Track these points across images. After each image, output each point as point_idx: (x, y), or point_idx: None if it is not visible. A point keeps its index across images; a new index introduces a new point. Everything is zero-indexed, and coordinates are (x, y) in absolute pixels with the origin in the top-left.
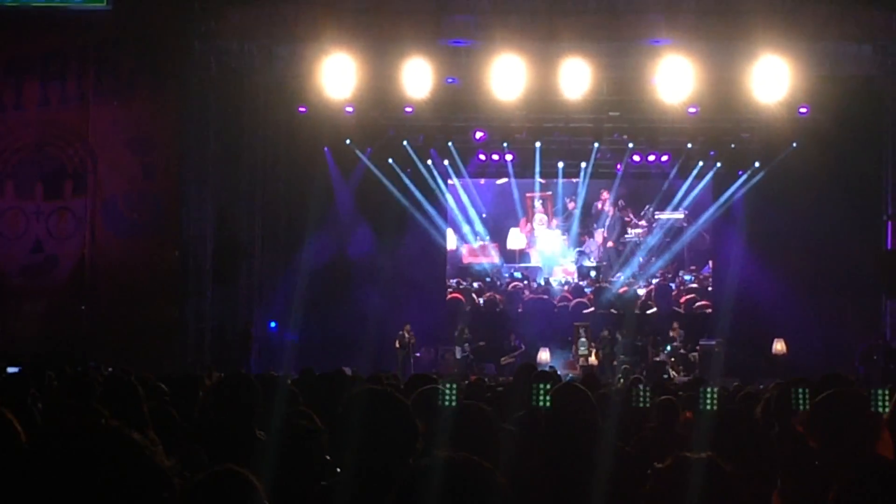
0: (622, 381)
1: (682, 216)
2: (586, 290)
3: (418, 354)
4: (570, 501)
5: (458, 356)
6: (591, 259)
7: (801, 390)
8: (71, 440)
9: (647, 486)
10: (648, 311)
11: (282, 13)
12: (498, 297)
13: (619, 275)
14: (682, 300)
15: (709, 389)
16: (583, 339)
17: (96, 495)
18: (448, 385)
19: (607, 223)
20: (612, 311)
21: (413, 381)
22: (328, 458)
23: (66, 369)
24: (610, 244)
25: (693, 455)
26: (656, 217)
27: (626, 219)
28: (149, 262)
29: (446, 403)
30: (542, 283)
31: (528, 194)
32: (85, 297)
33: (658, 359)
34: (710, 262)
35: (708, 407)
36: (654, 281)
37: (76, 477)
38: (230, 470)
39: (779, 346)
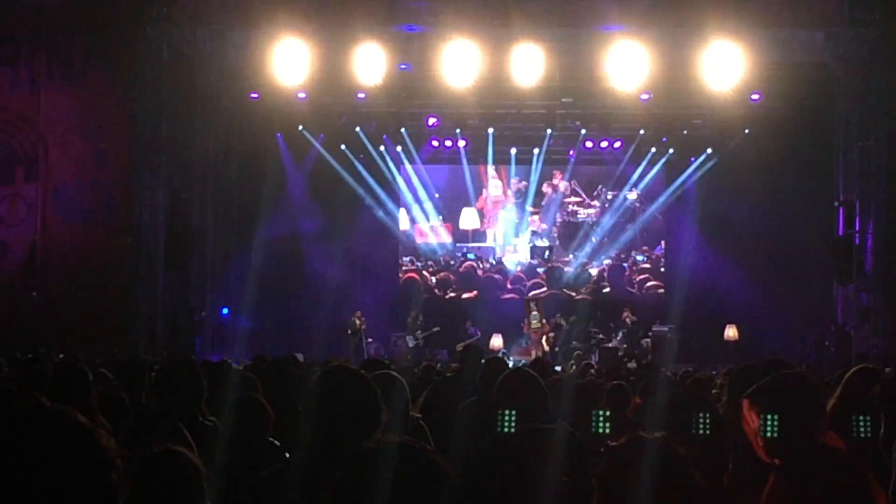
0: (574, 367)
1: (634, 196)
2: (539, 269)
3: (370, 340)
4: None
5: (411, 344)
6: (544, 239)
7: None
8: (15, 422)
9: (601, 464)
10: (603, 291)
11: None
12: (452, 277)
13: (572, 255)
14: (636, 280)
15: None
16: (535, 313)
17: (40, 475)
18: (507, 412)
19: (559, 201)
20: (566, 291)
21: (365, 366)
22: (276, 442)
23: (16, 356)
24: (560, 220)
25: (647, 434)
26: (609, 196)
27: (579, 199)
28: (100, 249)
29: (505, 429)
30: (495, 262)
31: (481, 167)
32: (36, 284)
33: (610, 345)
34: (663, 242)
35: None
36: (607, 262)
37: (20, 458)
38: (170, 450)
39: (731, 331)
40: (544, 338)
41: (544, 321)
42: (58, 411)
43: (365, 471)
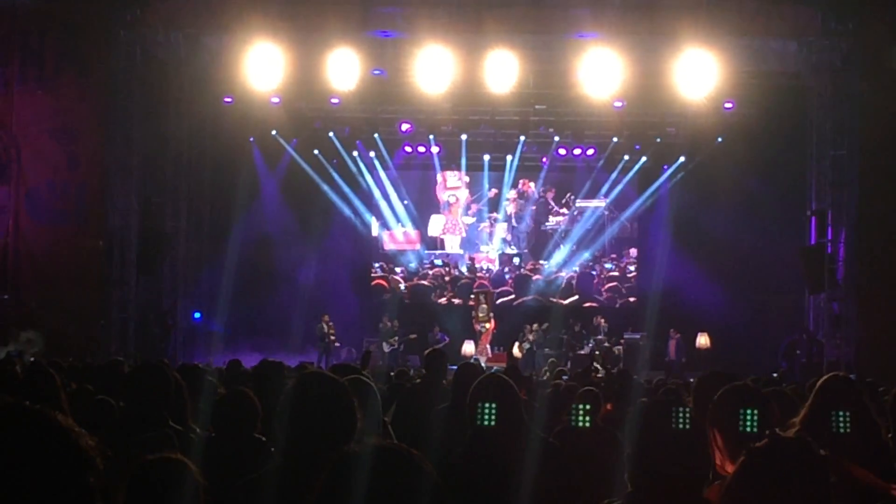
0: (548, 373)
1: (602, 204)
2: (506, 276)
3: (338, 345)
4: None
5: (386, 349)
6: (513, 247)
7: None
8: None
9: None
10: (570, 300)
11: (208, 2)
12: (425, 283)
13: (542, 262)
14: (605, 288)
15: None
16: (483, 306)
17: (15, 476)
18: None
19: (529, 207)
20: (538, 298)
21: (335, 371)
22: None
23: None
24: (529, 228)
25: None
26: (577, 204)
27: (548, 206)
28: (72, 252)
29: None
30: (465, 270)
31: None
32: (8, 286)
33: (582, 352)
34: (633, 250)
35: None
36: (575, 270)
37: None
38: (167, 458)
39: (702, 339)
40: (516, 345)
41: (492, 314)
42: (35, 411)
43: (348, 475)
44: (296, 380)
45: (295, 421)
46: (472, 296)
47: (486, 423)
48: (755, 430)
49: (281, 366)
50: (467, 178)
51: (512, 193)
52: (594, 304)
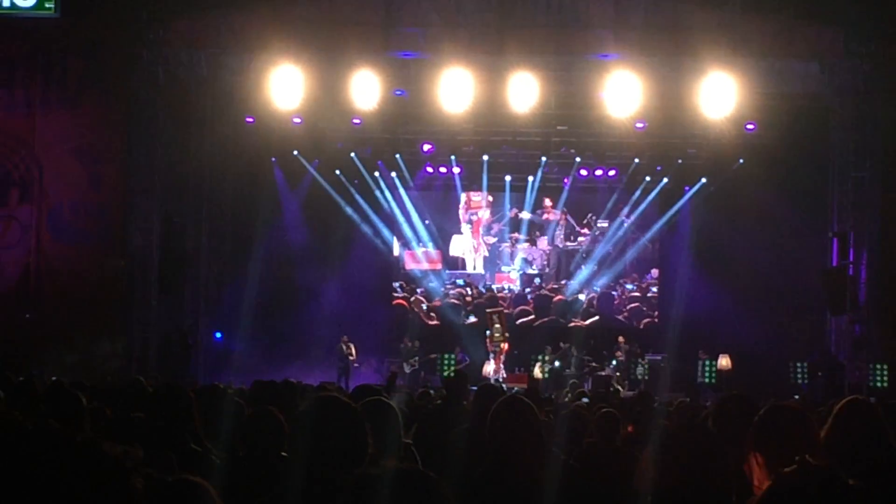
0: (569, 395)
1: (626, 225)
2: (527, 296)
3: (356, 365)
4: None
5: (407, 370)
6: (534, 266)
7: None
8: (41, 454)
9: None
10: (591, 320)
11: (230, 23)
12: (455, 301)
13: (563, 282)
14: (626, 309)
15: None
16: (497, 325)
17: None
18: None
19: (552, 229)
20: (560, 319)
21: (357, 393)
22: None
23: (8, 377)
24: (549, 246)
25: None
26: (598, 224)
27: (570, 227)
28: (94, 271)
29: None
30: (485, 290)
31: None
32: (30, 306)
33: (603, 373)
34: (654, 271)
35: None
36: (596, 290)
37: (46, 495)
38: (187, 480)
39: (724, 361)
40: (537, 366)
41: (506, 335)
42: (89, 444)
43: (367, 497)
44: (308, 402)
45: (306, 443)
46: (487, 316)
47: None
48: (797, 451)
49: (295, 386)
50: (490, 198)
51: (535, 214)
52: (615, 325)
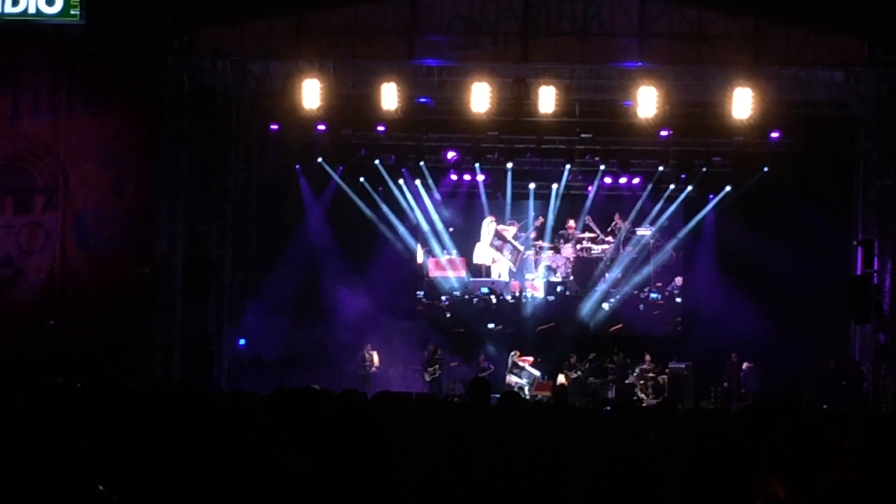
0: (591, 403)
1: (648, 232)
2: (551, 304)
3: (374, 371)
4: None
5: (428, 378)
6: (558, 274)
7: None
8: None
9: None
10: (614, 328)
11: (255, 30)
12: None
13: (587, 291)
14: (650, 317)
15: None
16: (524, 369)
17: None
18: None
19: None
20: (583, 326)
21: (378, 400)
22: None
23: (32, 384)
24: (573, 254)
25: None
26: (620, 229)
27: (592, 234)
28: (118, 278)
29: None
30: (510, 298)
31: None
32: (54, 312)
33: (627, 381)
34: (678, 279)
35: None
36: (621, 298)
37: None
38: None
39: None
40: (562, 374)
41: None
42: None
43: None
44: (329, 410)
45: (327, 450)
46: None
47: None
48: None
49: (318, 394)
50: (517, 225)
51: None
52: (639, 333)
